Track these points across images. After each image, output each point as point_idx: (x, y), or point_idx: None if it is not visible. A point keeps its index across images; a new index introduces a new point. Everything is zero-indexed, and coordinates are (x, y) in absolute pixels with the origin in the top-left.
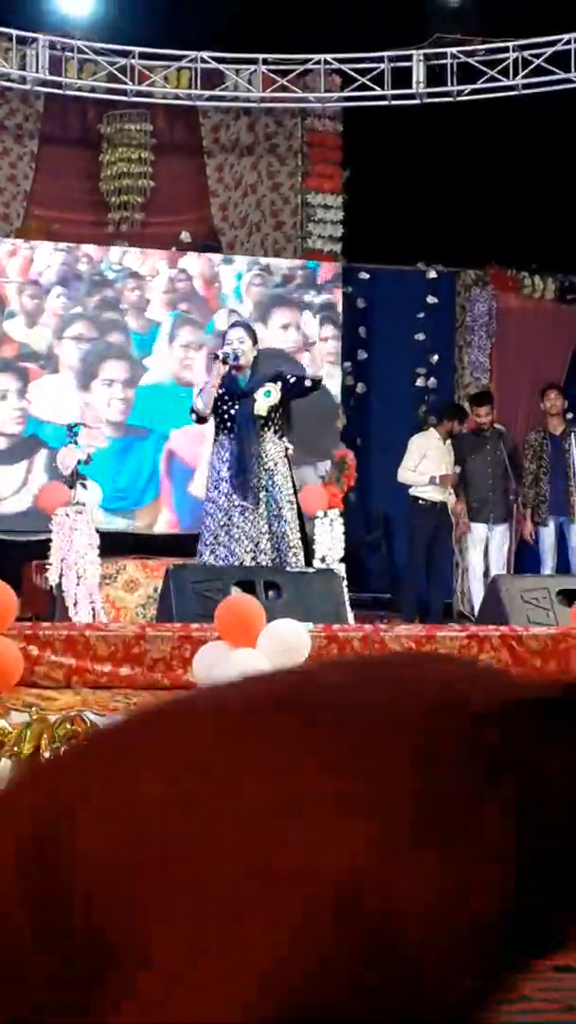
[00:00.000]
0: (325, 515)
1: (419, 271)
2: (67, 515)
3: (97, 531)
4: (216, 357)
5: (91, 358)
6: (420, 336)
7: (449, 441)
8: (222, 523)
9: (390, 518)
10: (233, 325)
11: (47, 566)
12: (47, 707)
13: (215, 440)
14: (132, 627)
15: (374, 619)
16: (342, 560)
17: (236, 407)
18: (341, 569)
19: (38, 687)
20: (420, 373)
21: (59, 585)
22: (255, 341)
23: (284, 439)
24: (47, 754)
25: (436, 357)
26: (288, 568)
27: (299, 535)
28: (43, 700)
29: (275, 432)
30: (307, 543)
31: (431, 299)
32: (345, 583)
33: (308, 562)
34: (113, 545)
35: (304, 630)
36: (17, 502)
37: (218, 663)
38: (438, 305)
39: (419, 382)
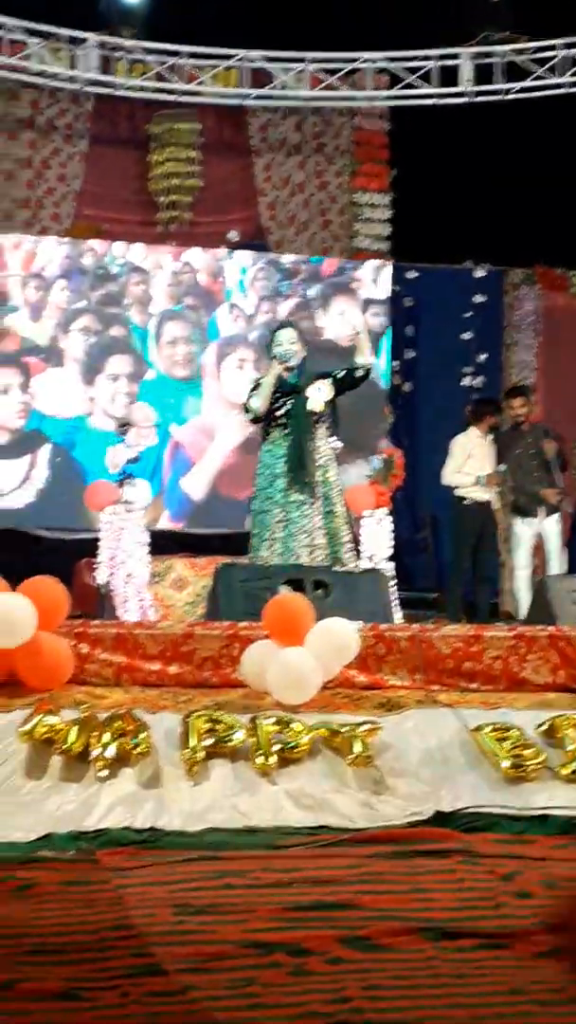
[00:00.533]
0: (372, 514)
1: (466, 270)
2: (116, 514)
3: (146, 529)
4: (273, 358)
5: (96, 352)
6: (467, 335)
7: (491, 437)
8: (279, 519)
9: (437, 517)
10: (282, 326)
11: (96, 564)
12: (97, 705)
13: (265, 438)
14: (181, 625)
15: (421, 618)
16: (389, 559)
17: (289, 404)
18: (389, 568)
19: (88, 685)
20: (467, 372)
21: (108, 583)
22: (304, 341)
23: (334, 437)
24: (96, 751)
25: (483, 356)
26: (342, 563)
27: (350, 531)
28: (93, 698)
29: (326, 429)
30: (355, 541)
31: (478, 298)
32: (393, 582)
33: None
34: (161, 543)
35: (353, 629)
36: (19, 496)
37: (266, 662)
38: (485, 304)
39: (466, 381)
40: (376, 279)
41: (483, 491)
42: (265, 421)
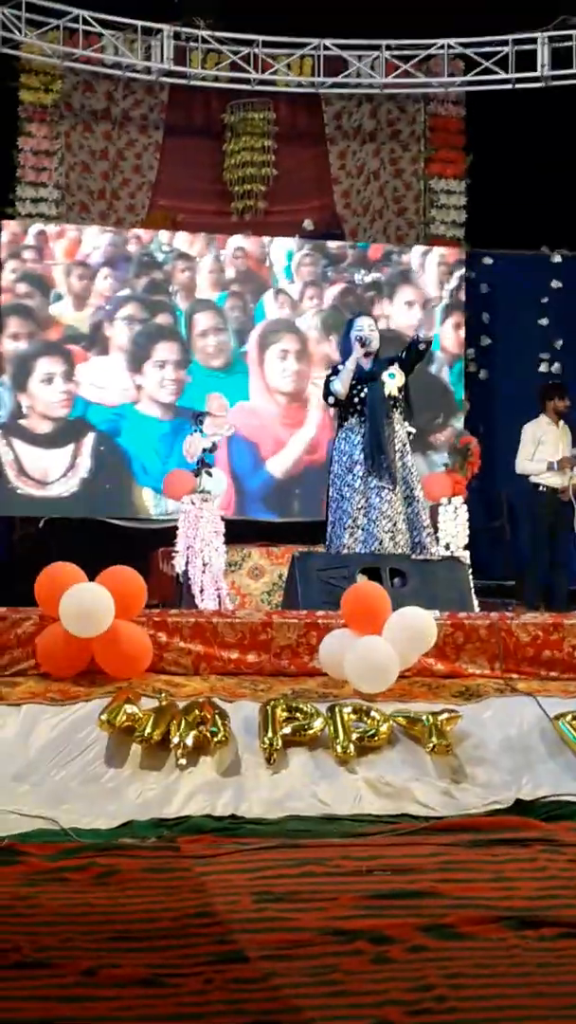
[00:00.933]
0: (449, 502)
1: (543, 255)
2: (193, 503)
3: (222, 519)
4: (360, 342)
5: (141, 340)
6: (544, 321)
7: (562, 422)
8: (360, 505)
9: (513, 505)
10: (360, 314)
11: (173, 553)
12: (176, 693)
13: (341, 425)
14: (259, 614)
15: (499, 606)
16: (466, 547)
17: (366, 391)
18: (465, 556)
19: (167, 673)
20: (544, 358)
21: (185, 572)
22: (379, 331)
23: (407, 422)
24: (176, 740)
25: (560, 342)
26: (423, 549)
27: (428, 516)
28: (172, 686)
29: (400, 414)
30: (433, 527)
31: (555, 283)
32: (470, 570)
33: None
34: (238, 532)
35: (430, 618)
36: (64, 484)
37: (345, 650)
38: (562, 290)
39: (543, 367)
40: (423, 263)
41: (558, 477)
42: (341, 407)
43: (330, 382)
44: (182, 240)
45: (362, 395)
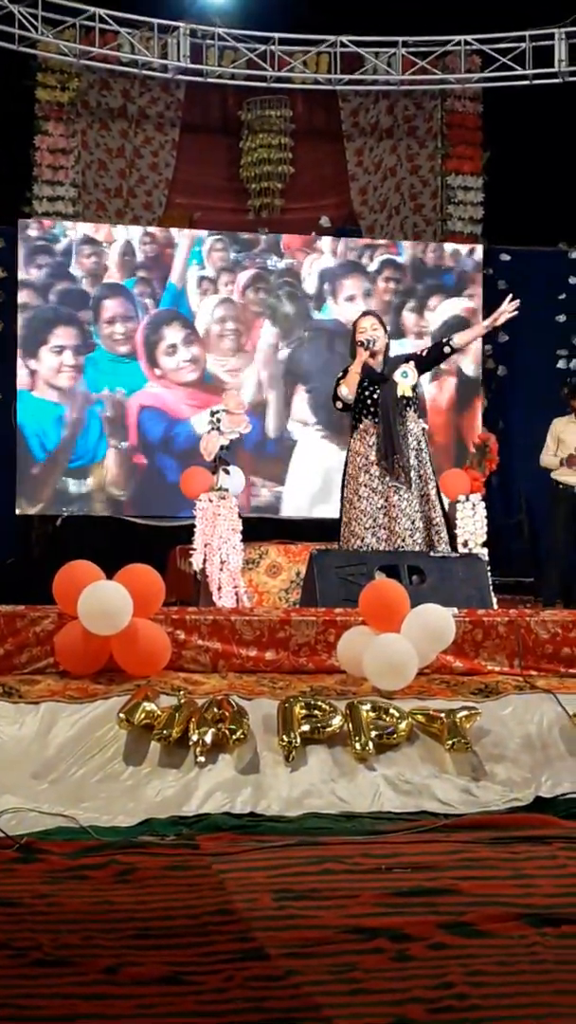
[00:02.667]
0: (467, 499)
1: (560, 251)
2: (210, 500)
3: (240, 516)
4: (362, 345)
5: (38, 325)
6: (561, 317)
7: None
8: (380, 505)
9: (532, 501)
10: (364, 314)
11: (191, 551)
12: (194, 691)
13: (355, 427)
14: (277, 612)
15: (518, 603)
16: (484, 544)
17: (378, 392)
18: (484, 553)
19: (185, 671)
20: (562, 355)
21: (203, 570)
22: (386, 328)
23: (422, 419)
24: (195, 737)
25: None
26: (436, 548)
27: (443, 515)
28: (190, 684)
29: (414, 412)
30: (449, 525)
31: (573, 280)
32: (489, 567)
33: (451, 544)
34: (255, 530)
35: (449, 615)
36: None
37: (363, 648)
38: None
39: (561, 364)
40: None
41: (573, 474)
42: (354, 409)
43: (339, 386)
44: (87, 226)
45: (374, 396)
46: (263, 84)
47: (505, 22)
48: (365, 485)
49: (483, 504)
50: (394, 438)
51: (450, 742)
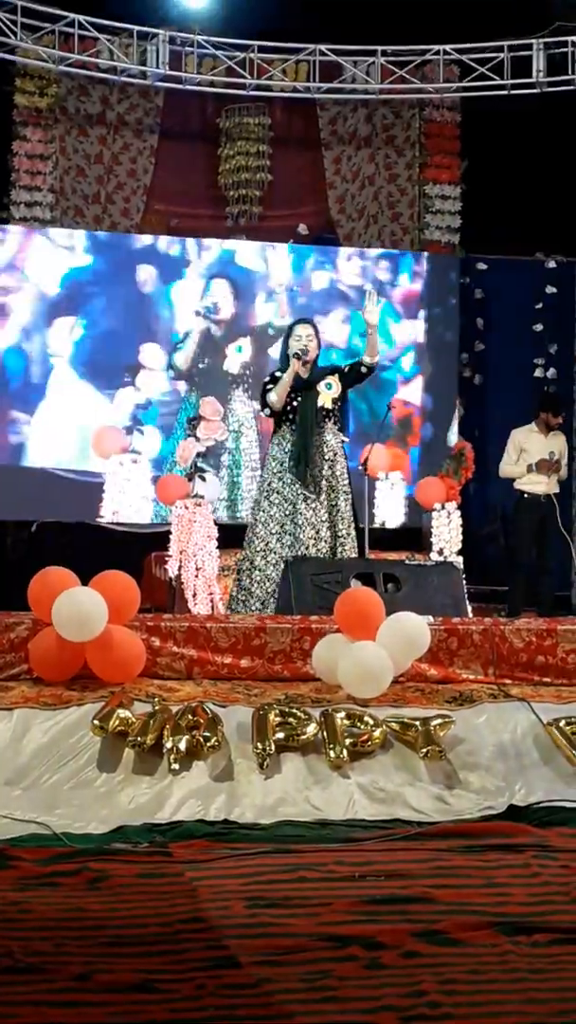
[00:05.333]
0: (443, 507)
1: (538, 261)
2: (186, 507)
3: (215, 523)
4: (297, 356)
5: None
6: (538, 327)
7: (552, 432)
8: (288, 512)
9: (508, 510)
10: (301, 321)
11: (166, 558)
12: (169, 698)
13: (276, 432)
14: (252, 619)
15: (492, 612)
16: (459, 552)
17: (299, 400)
18: (459, 562)
19: (160, 678)
20: (539, 364)
21: (178, 576)
22: (319, 338)
23: (342, 431)
24: (169, 744)
25: (555, 347)
26: (341, 557)
27: (353, 526)
28: (165, 691)
29: (334, 423)
30: (361, 536)
31: (550, 289)
32: (464, 575)
33: (361, 553)
34: (231, 537)
35: (424, 623)
36: None
37: (338, 656)
38: (556, 295)
39: (538, 373)
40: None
41: (543, 483)
42: (277, 415)
43: (267, 392)
44: None
45: (294, 404)
46: (242, 92)
47: (483, 32)
48: (276, 492)
49: (458, 512)
50: (308, 447)
51: (424, 750)
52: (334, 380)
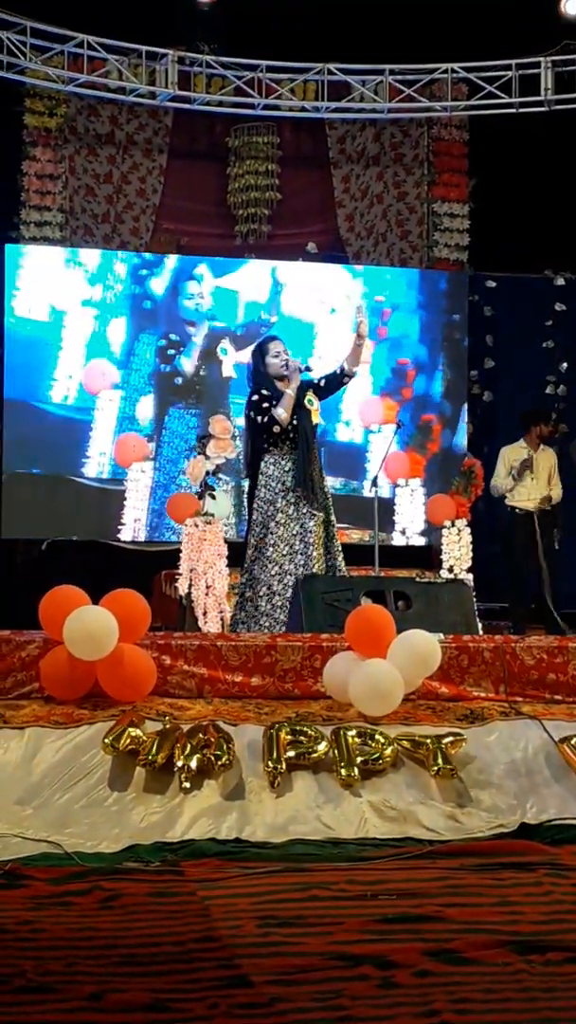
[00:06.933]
0: (453, 524)
1: (546, 278)
2: (196, 526)
3: (225, 541)
4: (299, 370)
5: None
6: (549, 344)
7: (542, 447)
8: (296, 532)
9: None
10: (273, 338)
11: (177, 576)
12: (180, 716)
13: (267, 450)
14: (263, 637)
15: (502, 629)
16: (469, 570)
17: (297, 418)
18: (469, 579)
19: (171, 696)
20: (550, 381)
21: (188, 595)
22: None
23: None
24: (180, 763)
25: (565, 365)
26: (335, 573)
27: (339, 541)
28: (176, 709)
29: (316, 440)
30: (372, 552)
31: (559, 306)
32: (474, 593)
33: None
34: (241, 555)
35: (435, 641)
36: None
37: (349, 673)
38: (566, 312)
39: (549, 390)
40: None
41: (534, 499)
42: (268, 434)
43: (267, 409)
44: None
45: (293, 422)
46: (250, 111)
47: (491, 50)
48: (282, 512)
49: (468, 530)
50: (311, 466)
51: (435, 768)
52: (312, 396)
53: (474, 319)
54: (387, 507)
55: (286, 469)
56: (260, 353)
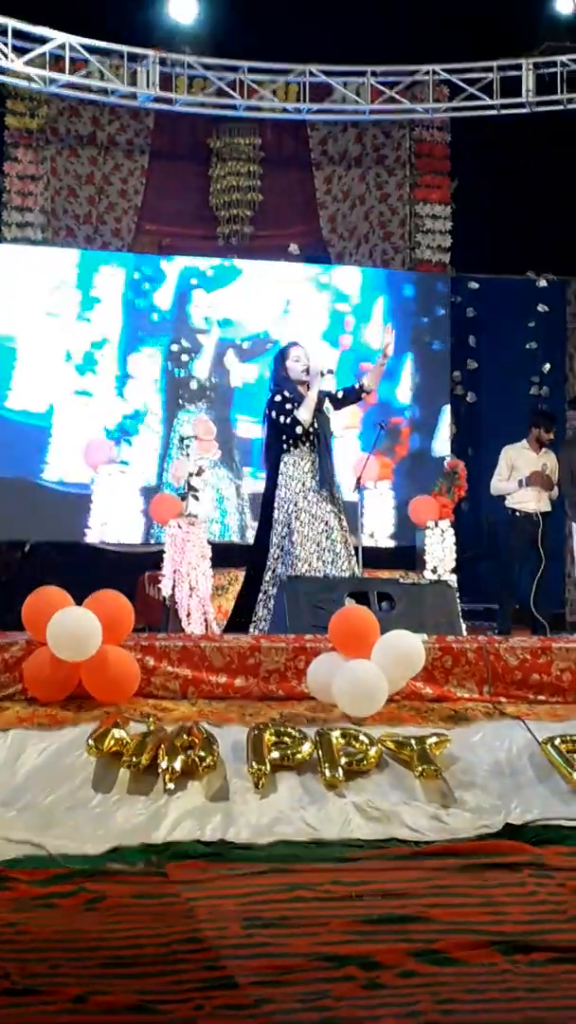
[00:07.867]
0: (436, 525)
1: (529, 280)
2: (179, 527)
3: (209, 542)
4: (321, 374)
5: None
6: (531, 345)
7: (544, 450)
8: (320, 530)
9: (498, 528)
10: (292, 345)
11: (160, 577)
12: (164, 717)
13: (286, 451)
14: (247, 638)
15: (486, 630)
16: (453, 570)
17: (317, 421)
18: (453, 580)
19: (155, 697)
20: (533, 382)
21: (172, 596)
22: None
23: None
24: (164, 764)
25: (548, 366)
26: (355, 572)
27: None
28: (160, 711)
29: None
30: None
31: (541, 308)
32: (458, 593)
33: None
34: (225, 556)
35: (419, 641)
36: None
37: (333, 674)
38: (548, 314)
39: (532, 391)
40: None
41: (533, 500)
42: (290, 436)
43: (290, 411)
44: None
45: (314, 426)
46: (232, 112)
47: (473, 53)
48: (305, 511)
49: (452, 531)
50: (331, 467)
51: (420, 769)
52: (329, 404)
53: (456, 320)
54: (354, 510)
55: (305, 469)
56: (281, 358)
